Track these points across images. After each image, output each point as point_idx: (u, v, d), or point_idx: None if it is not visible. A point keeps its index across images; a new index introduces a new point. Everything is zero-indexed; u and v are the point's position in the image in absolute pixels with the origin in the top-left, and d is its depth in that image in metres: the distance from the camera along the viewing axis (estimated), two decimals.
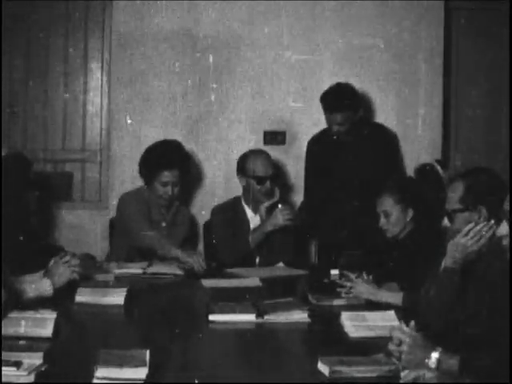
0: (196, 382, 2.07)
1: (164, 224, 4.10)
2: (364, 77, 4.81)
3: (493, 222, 2.59)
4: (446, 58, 4.89)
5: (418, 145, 4.84)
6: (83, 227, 4.19)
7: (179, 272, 3.64)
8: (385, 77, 4.83)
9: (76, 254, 3.20)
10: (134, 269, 3.63)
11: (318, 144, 4.45)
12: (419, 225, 3.41)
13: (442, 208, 2.76)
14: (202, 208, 4.69)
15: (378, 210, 3.46)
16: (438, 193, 4.16)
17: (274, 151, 4.52)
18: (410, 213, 3.41)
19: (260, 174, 3.99)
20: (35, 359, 2.15)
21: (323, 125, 4.42)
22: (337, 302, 3.04)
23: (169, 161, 4.02)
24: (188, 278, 3.60)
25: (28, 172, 3.89)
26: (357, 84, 4.45)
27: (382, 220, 3.44)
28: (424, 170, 4.46)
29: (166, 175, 4.01)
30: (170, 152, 4.09)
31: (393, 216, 3.42)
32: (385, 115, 4.83)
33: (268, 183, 3.99)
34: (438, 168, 4.41)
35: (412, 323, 2.22)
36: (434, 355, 2.14)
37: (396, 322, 2.58)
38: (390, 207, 3.42)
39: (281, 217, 3.90)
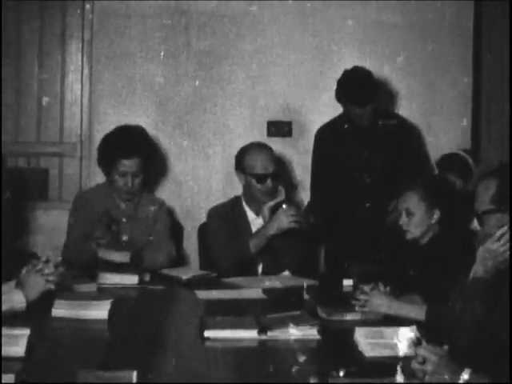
0: None
1: (124, 220, 4.13)
2: (382, 59, 4.81)
3: None
4: (476, 37, 4.88)
5: (445, 136, 4.84)
6: (60, 230, 4.19)
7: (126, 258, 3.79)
8: (405, 59, 4.83)
9: (50, 260, 3.18)
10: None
11: (327, 135, 4.45)
12: (445, 228, 3.40)
13: (471, 209, 2.75)
14: (197, 210, 4.70)
15: (400, 207, 3.47)
16: (467, 183, 4.11)
17: (278, 144, 4.53)
18: (436, 214, 3.41)
19: (260, 171, 3.98)
20: (6, 381, 2.15)
21: (334, 114, 4.42)
22: (350, 317, 3.04)
23: (127, 148, 4.04)
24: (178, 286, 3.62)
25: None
26: (373, 68, 4.45)
27: (404, 219, 3.45)
28: (448, 158, 4.38)
29: (125, 164, 4.03)
30: (129, 138, 4.11)
31: (416, 215, 3.42)
32: (406, 103, 4.84)
33: (269, 181, 3.98)
34: (467, 157, 4.35)
35: (445, 347, 2.20)
36: (463, 376, 2.13)
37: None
38: (413, 205, 3.43)
39: (285, 219, 3.89)
